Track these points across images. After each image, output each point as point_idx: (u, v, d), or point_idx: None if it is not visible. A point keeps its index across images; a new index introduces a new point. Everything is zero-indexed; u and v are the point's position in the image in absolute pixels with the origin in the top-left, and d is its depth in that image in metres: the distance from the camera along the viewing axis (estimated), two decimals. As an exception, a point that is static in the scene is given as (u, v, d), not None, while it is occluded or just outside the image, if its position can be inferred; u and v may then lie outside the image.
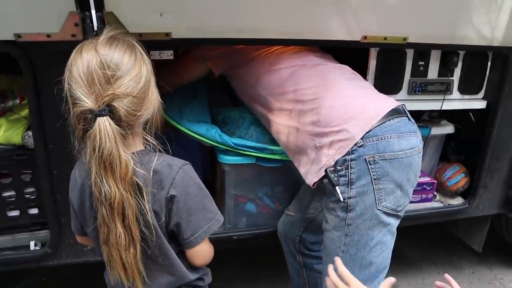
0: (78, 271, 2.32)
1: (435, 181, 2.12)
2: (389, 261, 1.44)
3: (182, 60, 1.80)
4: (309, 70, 1.54)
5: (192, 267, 1.14)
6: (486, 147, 1.98)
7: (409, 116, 1.41)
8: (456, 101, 1.92)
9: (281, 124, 1.55)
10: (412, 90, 1.81)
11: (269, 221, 1.85)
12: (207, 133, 1.66)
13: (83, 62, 0.92)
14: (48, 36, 1.22)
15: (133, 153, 1.00)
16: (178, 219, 1.04)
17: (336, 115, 1.38)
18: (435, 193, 2.16)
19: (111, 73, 0.91)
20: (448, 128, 2.10)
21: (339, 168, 1.35)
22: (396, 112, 1.37)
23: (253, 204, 1.82)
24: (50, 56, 1.30)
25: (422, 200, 2.12)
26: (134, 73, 0.96)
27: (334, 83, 1.48)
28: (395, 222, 1.39)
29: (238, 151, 1.66)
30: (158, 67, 1.09)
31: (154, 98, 1.04)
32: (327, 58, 1.65)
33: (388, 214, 1.35)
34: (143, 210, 0.98)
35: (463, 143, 2.16)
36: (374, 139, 1.32)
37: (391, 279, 1.07)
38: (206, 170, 1.98)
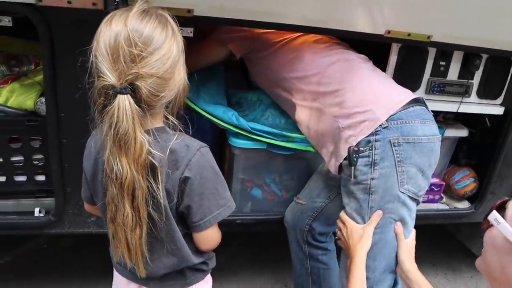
0: (79, 241, 2.33)
1: (444, 183, 2.11)
2: None
3: (202, 42, 1.78)
4: (334, 56, 1.57)
5: (197, 251, 1.13)
6: (499, 154, 1.96)
7: (427, 106, 1.46)
8: (473, 105, 1.89)
9: (304, 106, 1.57)
10: (430, 90, 1.79)
11: (274, 208, 1.84)
12: (223, 115, 1.64)
13: (111, 34, 0.89)
14: (69, 2, 1.21)
15: (150, 130, 0.97)
16: (189, 202, 1.02)
17: (361, 97, 1.43)
18: (442, 195, 2.14)
19: (138, 52, 0.88)
20: (462, 132, 2.07)
21: (362, 149, 1.37)
22: (418, 101, 1.42)
23: (259, 189, 1.81)
24: (69, 23, 1.29)
25: (428, 201, 2.11)
26: (162, 53, 0.92)
27: (359, 69, 1.52)
28: (415, 207, 1.43)
29: (253, 135, 1.65)
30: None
31: (180, 79, 1.01)
32: (351, 50, 1.66)
33: (410, 198, 1.38)
34: (154, 192, 0.96)
35: (475, 147, 2.13)
36: (399, 122, 1.35)
37: None
38: (215, 152, 1.97)
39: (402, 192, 1.36)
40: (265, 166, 1.78)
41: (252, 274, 2.29)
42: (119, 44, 0.88)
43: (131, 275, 1.13)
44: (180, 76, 1.01)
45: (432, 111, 1.63)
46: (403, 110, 1.38)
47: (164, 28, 0.94)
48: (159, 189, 0.96)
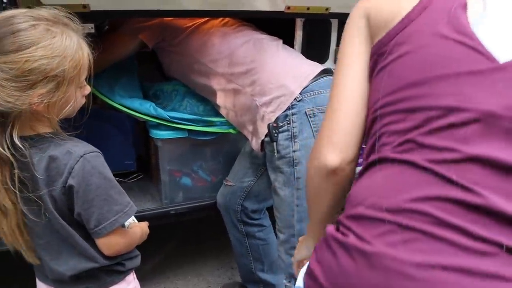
0: None
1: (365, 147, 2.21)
2: None
3: (111, 36, 1.76)
4: (242, 38, 1.62)
5: None
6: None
7: None
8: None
9: (221, 89, 1.61)
10: (338, 60, 1.87)
11: (206, 194, 1.87)
12: (141, 107, 1.63)
13: None
14: (-47, 9, 1.15)
15: (26, 136, 0.95)
16: (79, 209, 0.99)
17: (274, 73, 1.48)
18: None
19: None
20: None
21: (280, 124, 1.43)
22: (326, 72, 1.49)
23: (188, 178, 1.82)
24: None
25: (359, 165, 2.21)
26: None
27: (268, 47, 1.57)
28: None
29: (173, 124, 1.65)
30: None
31: None
32: (258, 31, 1.71)
33: None
34: (32, 197, 0.96)
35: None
36: (312, 94, 1.42)
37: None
38: (139, 147, 1.96)
39: None
40: (191, 154, 1.79)
41: (197, 262, 2.31)
42: None
43: (42, 276, 1.12)
44: None
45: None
46: (314, 81, 1.44)
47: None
48: (36, 195, 0.96)
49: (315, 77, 1.45)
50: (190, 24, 1.71)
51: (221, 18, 1.73)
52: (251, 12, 1.49)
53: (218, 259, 2.34)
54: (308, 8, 1.57)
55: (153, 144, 1.77)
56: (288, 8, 1.52)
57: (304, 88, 1.42)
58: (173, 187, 1.80)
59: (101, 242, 1.04)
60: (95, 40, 1.52)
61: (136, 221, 1.28)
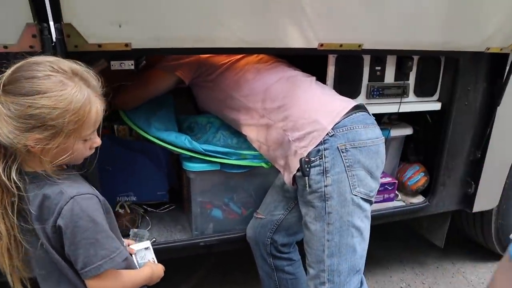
0: None
1: (396, 181, 2.19)
2: (366, 252, 1.52)
3: (148, 73, 1.81)
4: (276, 74, 1.66)
5: None
6: (443, 147, 2.06)
7: (369, 112, 1.54)
8: (412, 104, 2.00)
9: (253, 124, 1.64)
10: (370, 94, 1.88)
11: (236, 227, 1.87)
12: (176, 140, 1.67)
13: None
14: (5, 47, 1.22)
15: (26, 171, 1.01)
16: (67, 249, 1.02)
17: (306, 108, 1.50)
18: (396, 192, 2.23)
19: None
20: (407, 130, 2.17)
21: (312, 159, 1.43)
22: (359, 107, 1.50)
23: (219, 210, 1.83)
24: (7, 68, 1.29)
25: (384, 200, 2.19)
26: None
27: (301, 83, 1.61)
28: (369, 207, 1.49)
29: (207, 157, 1.68)
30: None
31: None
32: (292, 67, 1.75)
33: (363, 199, 1.45)
34: (24, 232, 1.02)
35: (421, 143, 2.24)
36: (344, 129, 1.43)
37: None
38: (172, 179, 1.99)
39: (355, 195, 1.43)
40: (222, 187, 1.81)
41: (224, 294, 2.30)
42: None
43: None
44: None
45: (375, 114, 1.73)
46: (347, 117, 1.45)
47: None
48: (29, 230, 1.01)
49: (347, 112, 1.47)
50: (226, 60, 1.75)
51: (256, 55, 1.77)
52: (284, 49, 1.52)
53: (246, 292, 2.32)
54: (341, 45, 1.58)
55: (186, 176, 1.79)
56: (321, 45, 1.54)
57: (336, 124, 1.43)
58: (204, 219, 1.82)
59: (89, 284, 1.05)
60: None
61: (155, 259, 1.29)
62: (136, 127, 1.71)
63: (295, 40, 1.50)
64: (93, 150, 1.10)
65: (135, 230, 1.79)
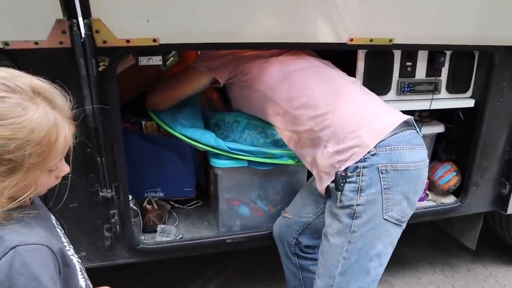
0: None
1: (427, 180, 2.14)
2: (380, 277, 1.46)
3: (183, 72, 1.79)
4: (322, 77, 1.58)
5: None
6: (476, 145, 2.00)
7: (418, 129, 1.45)
8: (444, 101, 1.94)
9: (293, 130, 1.58)
10: (401, 91, 1.83)
11: (263, 224, 1.86)
12: (201, 137, 1.67)
13: None
14: (36, 43, 1.24)
15: None
16: None
17: (350, 120, 1.42)
18: (427, 192, 2.17)
19: None
20: (438, 128, 2.11)
21: (350, 174, 1.37)
22: (407, 125, 1.41)
23: (246, 207, 1.83)
24: (38, 63, 1.31)
25: (414, 200, 2.13)
26: None
27: (346, 90, 1.52)
28: (397, 233, 1.43)
29: (232, 155, 1.67)
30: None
31: None
32: (335, 68, 1.68)
33: (393, 224, 1.39)
34: None
35: (453, 141, 2.17)
36: (387, 149, 1.35)
37: None
38: (199, 175, 1.99)
39: (386, 219, 1.37)
40: (250, 184, 1.80)
41: (250, 291, 2.29)
42: None
43: None
44: None
45: (406, 110, 1.69)
46: (392, 136, 1.37)
47: None
48: None
49: (393, 129, 1.38)
50: (263, 61, 1.67)
51: (295, 55, 1.68)
52: (313, 44, 1.49)
53: (271, 289, 2.31)
54: (371, 40, 1.55)
55: (213, 172, 1.79)
56: (351, 40, 1.51)
57: (380, 142, 1.35)
58: (230, 216, 1.81)
59: None
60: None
61: None
62: (163, 123, 1.71)
63: (324, 35, 1.48)
64: (60, 179, 0.91)
65: (162, 226, 1.80)
